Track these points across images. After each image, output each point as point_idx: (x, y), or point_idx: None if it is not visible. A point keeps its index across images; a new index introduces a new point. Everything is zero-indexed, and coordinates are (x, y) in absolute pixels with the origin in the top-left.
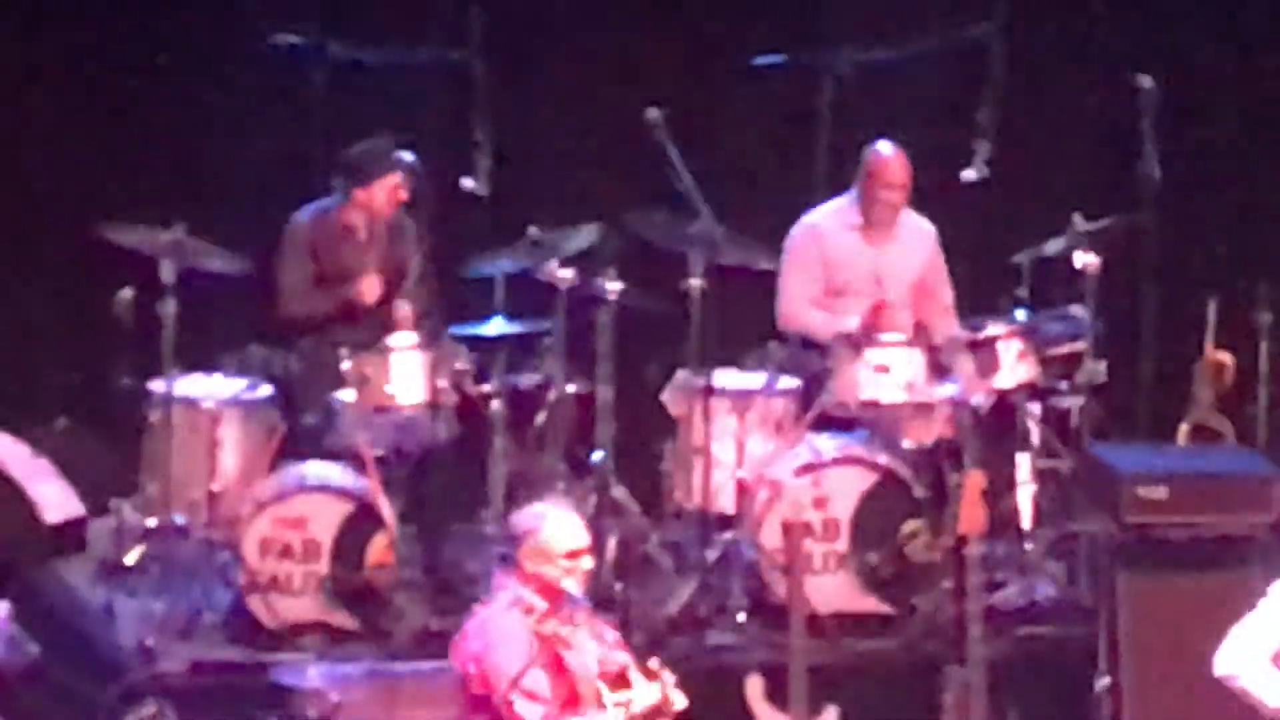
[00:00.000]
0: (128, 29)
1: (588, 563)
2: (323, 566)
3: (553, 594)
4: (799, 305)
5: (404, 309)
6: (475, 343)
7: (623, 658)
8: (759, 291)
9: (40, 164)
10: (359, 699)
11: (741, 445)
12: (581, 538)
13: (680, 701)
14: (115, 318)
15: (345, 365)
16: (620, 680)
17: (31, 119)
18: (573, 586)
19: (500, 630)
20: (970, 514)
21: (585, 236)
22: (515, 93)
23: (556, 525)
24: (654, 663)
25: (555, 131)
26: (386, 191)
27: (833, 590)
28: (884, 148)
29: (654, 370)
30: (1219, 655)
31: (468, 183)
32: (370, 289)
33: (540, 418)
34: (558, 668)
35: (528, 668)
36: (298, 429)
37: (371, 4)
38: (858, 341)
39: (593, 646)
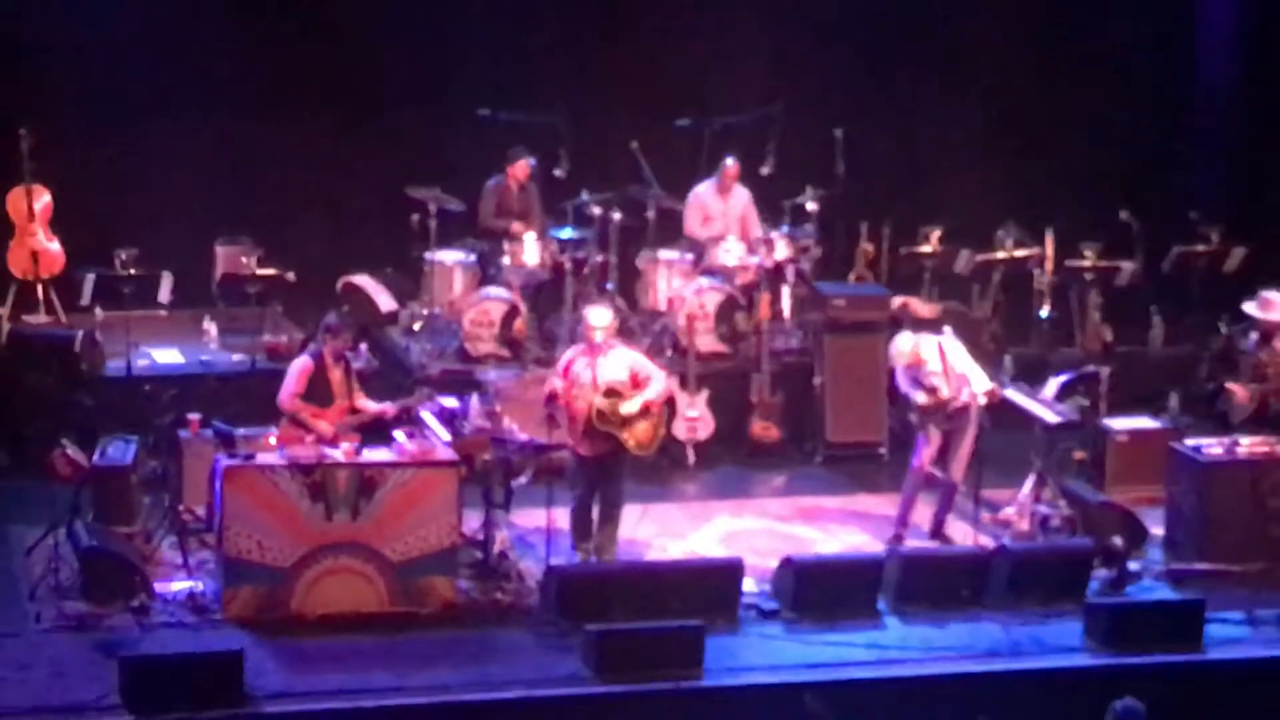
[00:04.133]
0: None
1: (603, 334)
2: (496, 330)
3: (590, 342)
4: (693, 226)
5: (519, 227)
6: (560, 239)
7: (624, 378)
8: (677, 219)
9: (372, 156)
10: (509, 384)
11: (669, 281)
12: (604, 320)
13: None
14: (411, 225)
15: (505, 246)
16: (613, 392)
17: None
18: (598, 337)
19: (564, 356)
20: (764, 312)
21: (605, 196)
22: (580, 135)
23: (591, 314)
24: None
25: (594, 155)
26: (521, 167)
27: (706, 342)
28: (729, 160)
29: (634, 252)
30: (890, 352)
31: (557, 172)
32: (519, 228)
33: (586, 270)
34: (572, 378)
35: (566, 367)
36: (485, 273)
37: (528, 90)
38: (718, 239)
39: (610, 367)
